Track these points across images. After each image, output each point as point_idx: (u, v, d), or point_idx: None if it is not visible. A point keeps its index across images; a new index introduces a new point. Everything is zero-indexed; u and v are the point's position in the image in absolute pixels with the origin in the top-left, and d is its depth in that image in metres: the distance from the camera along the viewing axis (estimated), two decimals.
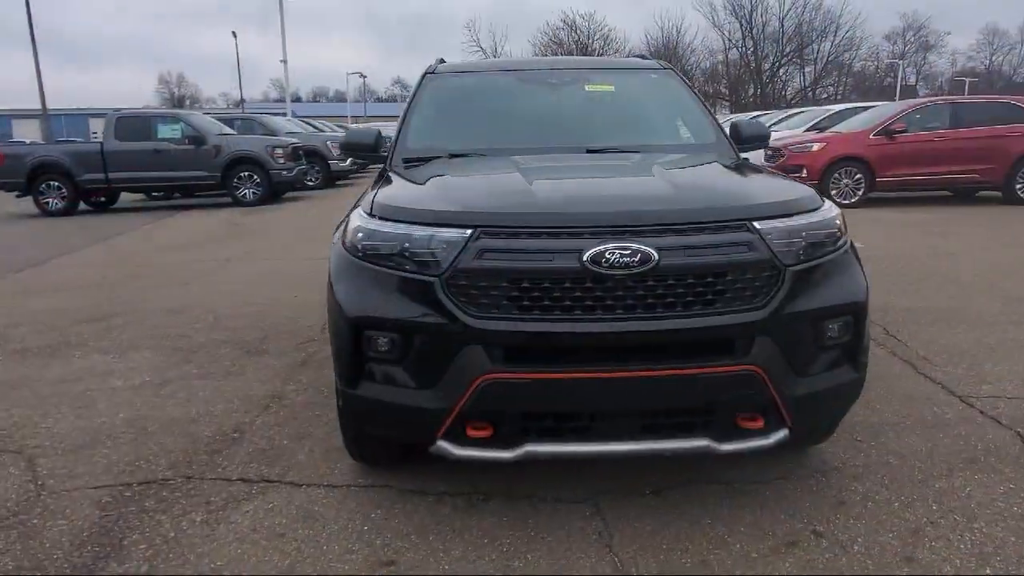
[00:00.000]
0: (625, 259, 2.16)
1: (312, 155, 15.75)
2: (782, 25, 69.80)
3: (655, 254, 2.17)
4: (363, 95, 73.65)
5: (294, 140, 14.36)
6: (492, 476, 2.76)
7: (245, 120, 16.02)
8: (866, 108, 14.79)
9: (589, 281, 2.18)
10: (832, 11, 66.34)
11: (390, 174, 3.16)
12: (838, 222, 2.50)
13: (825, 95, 69.41)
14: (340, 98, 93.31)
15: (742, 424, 2.34)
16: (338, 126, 25.21)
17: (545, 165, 2.89)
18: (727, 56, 69.82)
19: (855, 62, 72.34)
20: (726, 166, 3.07)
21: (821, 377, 2.39)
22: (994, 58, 74.95)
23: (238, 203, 13.19)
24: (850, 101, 40.89)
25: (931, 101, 13.13)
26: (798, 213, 2.39)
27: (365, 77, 68.30)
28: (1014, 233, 8.81)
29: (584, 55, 75.66)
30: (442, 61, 4.18)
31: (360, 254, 2.45)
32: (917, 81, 72.70)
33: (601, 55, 75.79)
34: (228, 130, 14.11)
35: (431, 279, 2.26)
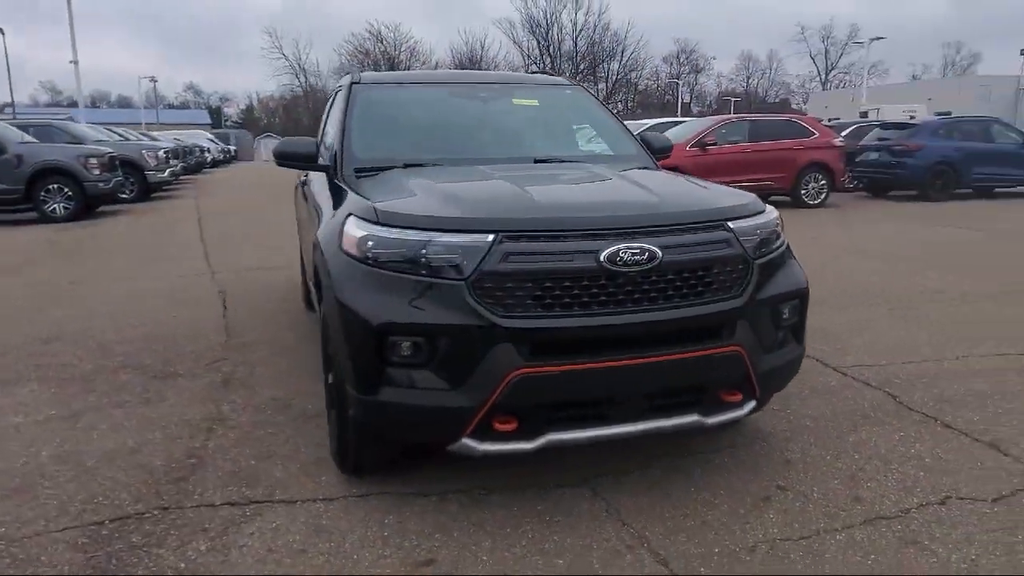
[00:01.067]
0: (636, 257, 2.42)
1: (127, 165, 14.41)
2: (576, 44, 74.71)
3: (659, 252, 2.45)
4: (155, 100, 67.80)
5: (109, 150, 13.05)
6: (484, 473, 2.88)
7: (41, 127, 14.22)
8: (677, 123, 16.41)
9: (604, 278, 2.41)
10: (619, 33, 72.18)
11: (356, 182, 3.17)
12: (779, 223, 2.95)
13: (616, 111, 75.40)
14: (124, 103, 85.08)
15: (724, 399, 2.69)
16: (143, 134, 23.21)
17: (516, 174, 3.07)
18: (528, 72, 73.45)
19: (640, 81, 79.30)
20: (672, 175, 3.45)
21: (779, 353, 2.81)
22: (750, 81, 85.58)
23: (46, 219, 11.74)
24: (636, 117, 45.07)
25: (735, 118, 14.87)
26: (754, 215, 2.80)
27: (156, 81, 62.95)
28: (805, 229, 10.30)
29: (392, 68, 75.73)
30: (362, 71, 4.22)
31: (371, 261, 2.48)
32: (691, 100, 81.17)
33: (408, 67, 76.37)
34: (29, 138, 12.51)
35: (457, 282, 2.37)
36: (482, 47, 77.23)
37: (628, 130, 4.11)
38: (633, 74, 77.00)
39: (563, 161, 3.63)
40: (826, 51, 79.54)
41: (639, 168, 3.62)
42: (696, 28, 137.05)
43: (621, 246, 2.41)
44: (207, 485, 2.85)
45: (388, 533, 2.51)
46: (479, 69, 67.28)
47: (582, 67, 73.45)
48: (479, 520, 2.60)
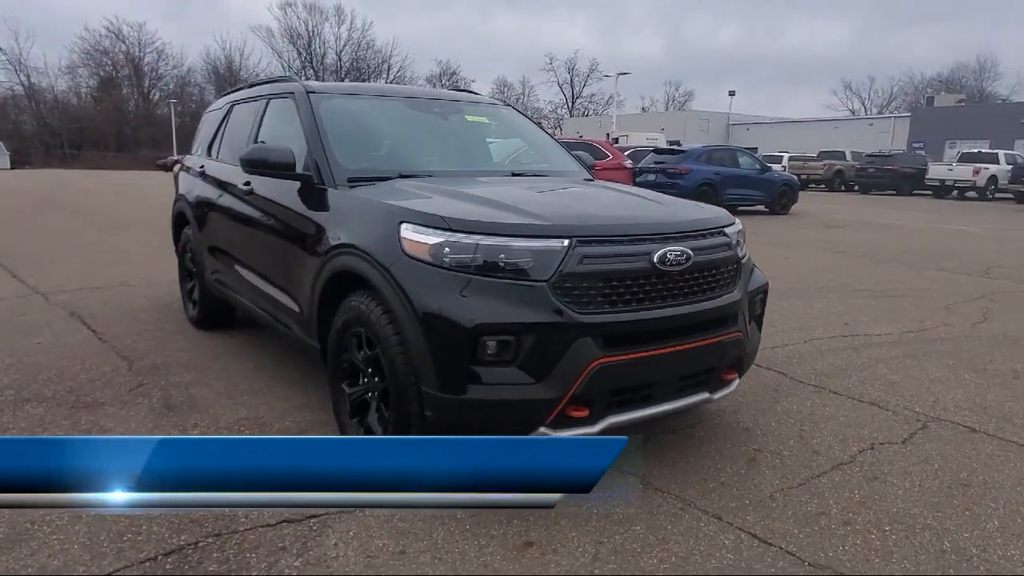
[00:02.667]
0: (678, 258, 2.82)
1: None
2: (339, 58, 73.88)
3: (692, 254, 2.88)
4: None
5: None
6: None
7: None
8: None
9: (655, 277, 2.78)
10: (383, 50, 72.82)
11: (358, 191, 3.21)
12: (742, 231, 3.54)
13: None
14: None
15: (724, 377, 3.19)
16: None
17: (520, 188, 3.31)
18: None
19: None
20: (639, 188, 3.90)
21: (754, 337, 3.39)
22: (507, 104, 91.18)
23: None
24: None
25: None
26: (734, 223, 3.35)
27: None
28: None
29: (136, 69, 68.67)
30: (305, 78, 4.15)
31: (448, 265, 2.60)
32: None
33: (155, 70, 69.84)
34: None
35: (540, 284, 2.58)
36: (241, 56, 73.09)
37: (561, 146, 4.52)
38: None
39: (538, 175, 3.92)
40: (572, 81, 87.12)
41: (589, 181, 4.04)
42: (454, 52, 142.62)
43: (668, 248, 2.80)
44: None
45: (473, 523, 2.62)
46: (237, 77, 63.68)
47: (348, 81, 72.69)
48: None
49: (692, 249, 2.89)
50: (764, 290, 3.48)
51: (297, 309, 3.48)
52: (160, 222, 7.47)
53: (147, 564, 2.34)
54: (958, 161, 29.01)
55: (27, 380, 4.05)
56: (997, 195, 27.33)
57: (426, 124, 4.11)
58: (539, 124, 4.72)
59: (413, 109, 4.19)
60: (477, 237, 2.63)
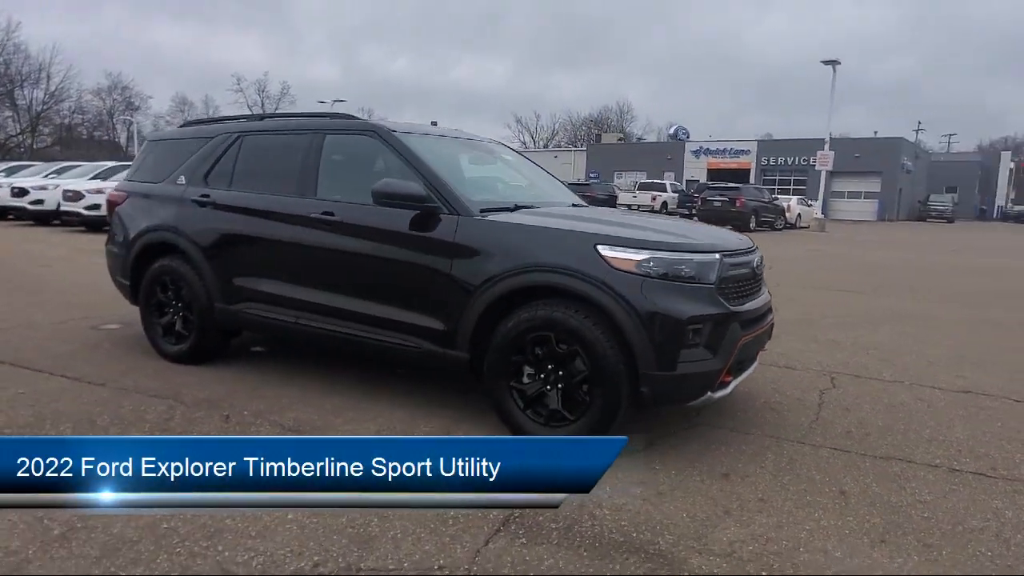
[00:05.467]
0: (760, 265, 4.01)
1: None
2: None
3: (760, 261, 4.09)
4: None
5: None
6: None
7: None
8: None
9: (752, 279, 3.93)
10: (39, 59, 63.23)
11: (497, 220, 3.86)
12: None
13: (44, 145, 65.91)
14: None
15: (746, 364, 4.38)
16: None
17: (621, 216, 4.20)
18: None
19: (74, 115, 70.87)
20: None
21: None
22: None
23: None
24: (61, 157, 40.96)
25: None
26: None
27: None
28: None
29: None
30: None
31: (653, 275, 3.44)
32: (128, 137, 76.16)
33: None
34: None
35: (710, 286, 3.56)
36: None
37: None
38: (63, 106, 67.89)
39: (581, 206, 4.78)
40: (262, 103, 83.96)
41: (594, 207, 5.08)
42: (122, 64, 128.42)
43: (756, 258, 3.97)
44: None
45: (668, 464, 3.46)
46: None
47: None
48: (679, 443, 3.74)
49: (759, 259, 4.10)
50: None
51: (440, 326, 3.89)
52: None
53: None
54: (639, 189, 35.11)
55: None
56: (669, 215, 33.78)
57: (485, 161, 4.73)
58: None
59: (465, 148, 4.76)
60: (669, 254, 3.51)
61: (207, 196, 4.84)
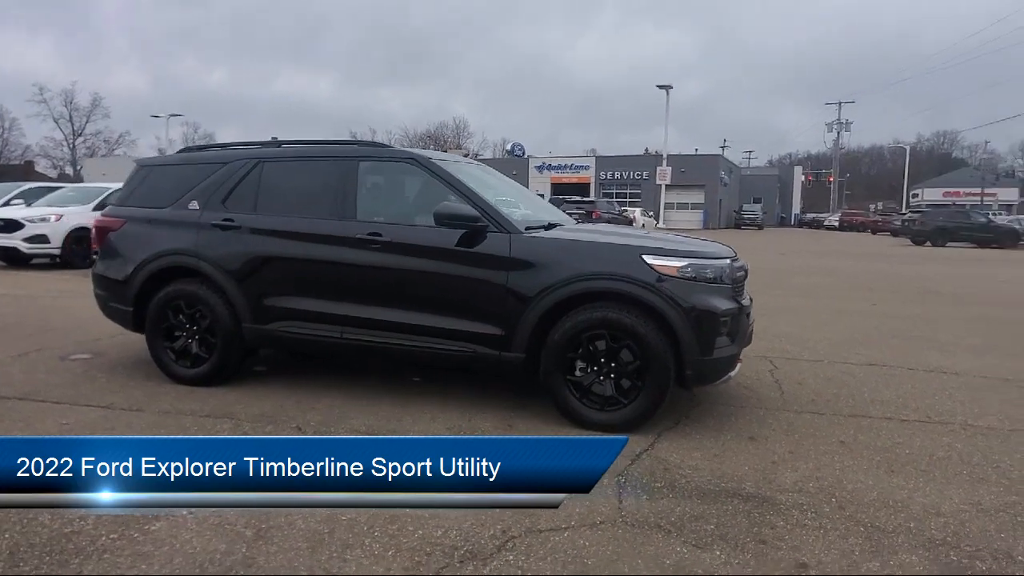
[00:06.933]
0: (746, 269, 4.90)
1: None
2: None
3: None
4: None
5: None
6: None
7: None
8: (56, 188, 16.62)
9: (744, 280, 4.80)
10: None
11: (542, 236, 4.46)
12: None
13: None
14: None
15: None
16: None
17: (640, 232, 4.92)
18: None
19: None
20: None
21: None
22: None
23: None
24: None
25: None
26: None
27: None
28: None
29: None
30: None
31: (691, 279, 4.20)
32: None
33: None
34: None
35: (727, 285, 4.39)
36: None
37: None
38: None
39: (590, 223, 5.44)
40: (71, 116, 76.73)
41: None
42: None
43: (744, 263, 4.86)
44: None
45: (705, 435, 4.22)
46: None
47: None
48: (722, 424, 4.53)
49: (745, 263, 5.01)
50: None
51: (497, 331, 4.37)
52: None
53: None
54: None
55: None
56: None
57: (504, 182, 5.27)
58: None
59: (485, 172, 5.27)
60: (699, 260, 4.29)
61: (230, 220, 4.97)
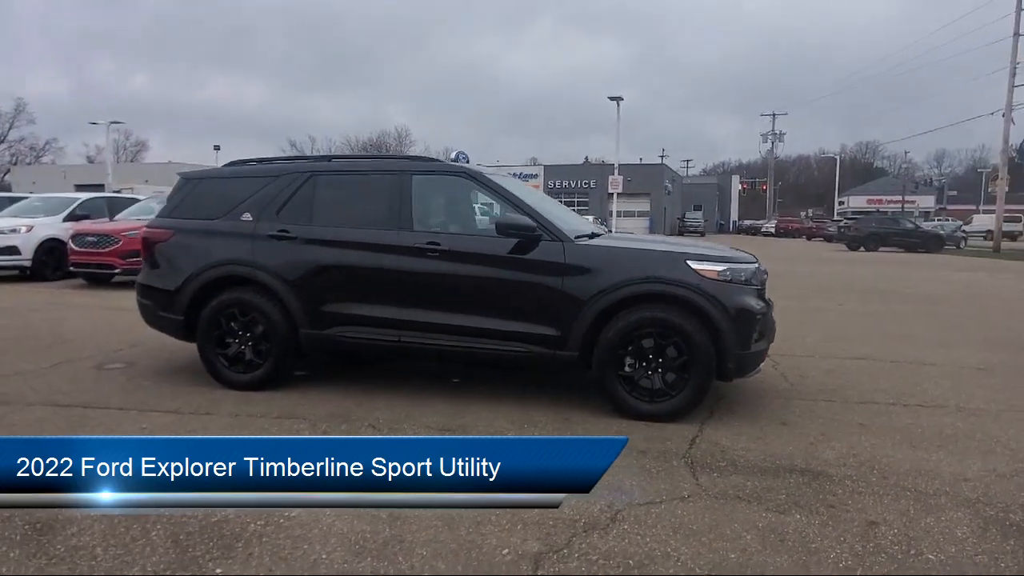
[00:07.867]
0: (767, 273, 5.42)
1: None
2: None
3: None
4: None
5: None
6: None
7: None
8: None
9: (765, 282, 5.31)
10: None
11: (594, 244, 4.87)
12: None
13: None
14: None
15: None
16: None
17: (668, 239, 5.37)
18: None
19: None
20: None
21: None
22: None
23: None
24: None
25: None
26: None
27: None
28: None
29: None
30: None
31: (728, 281, 4.67)
32: None
33: None
34: None
35: (757, 287, 4.88)
36: None
37: None
38: None
39: (622, 232, 5.86)
40: None
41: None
42: None
43: (764, 267, 5.37)
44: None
45: (742, 422, 4.69)
46: None
47: None
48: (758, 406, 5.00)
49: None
50: None
51: (553, 332, 4.74)
52: None
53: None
54: None
55: None
56: None
57: (538, 195, 5.66)
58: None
59: (523, 185, 5.63)
60: (736, 265, 4.77)
61: (286, 231, 5.19)
